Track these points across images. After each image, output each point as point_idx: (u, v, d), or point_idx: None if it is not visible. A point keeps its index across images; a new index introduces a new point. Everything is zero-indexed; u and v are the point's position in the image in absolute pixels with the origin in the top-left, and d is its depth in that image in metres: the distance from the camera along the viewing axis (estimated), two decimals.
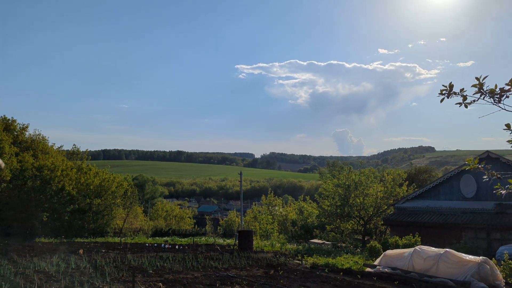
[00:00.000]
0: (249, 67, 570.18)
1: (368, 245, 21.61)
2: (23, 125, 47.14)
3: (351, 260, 18.11)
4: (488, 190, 26.67)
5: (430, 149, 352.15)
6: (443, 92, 3.95)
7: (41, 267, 11.56)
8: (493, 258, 15.18)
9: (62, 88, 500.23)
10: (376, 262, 16.12)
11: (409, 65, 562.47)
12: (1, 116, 44.77)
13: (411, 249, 15.07)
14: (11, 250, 18.53)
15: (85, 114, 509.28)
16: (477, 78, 3.77)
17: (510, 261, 13.54)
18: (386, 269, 14.95)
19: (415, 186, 32.91)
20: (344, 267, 15.83)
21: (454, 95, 3.92)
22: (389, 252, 16.25)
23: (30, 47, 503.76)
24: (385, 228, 31.75)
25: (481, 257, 13.36)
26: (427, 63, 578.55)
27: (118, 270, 11.63)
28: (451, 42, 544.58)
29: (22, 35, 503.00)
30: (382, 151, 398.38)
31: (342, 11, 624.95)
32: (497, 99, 3.71)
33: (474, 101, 3.86)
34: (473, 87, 3.79)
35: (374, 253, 20.27)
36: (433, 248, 14.69)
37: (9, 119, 45.32)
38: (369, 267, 15.75)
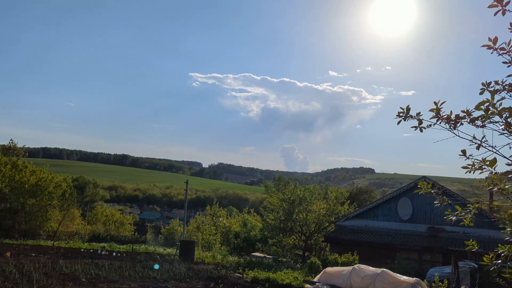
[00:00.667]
0: (203, 76, 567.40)
1: (308, 261, 21.94)
2: None
3: (291, 276, 18.27)
4: (422, 213, 28.15)
5: (370, 171, 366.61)
6: (401, 114, 4.10)
7: None
8: (425, 280, 15.89)
9: (6, 81, 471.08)
10: (315, 279, 16.36)
11: (356, 89, 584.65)
12: None
13: (350, 268, 15.44)
14: None
15: (27, 108, 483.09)
16: (435, 103, 3.95)
17: (440, 283, 14.21)
18: (325, 286, 15.20)
19: (356, 205, 33.94)
20: (284, 283, 15.96)
21: (410, 118, 4.07)
22: (328, 269, 16.55)
23: None
24: (325, 244, 32.42)
25: (414, 278, 13.93)
26: (372, 89, 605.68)
27: (47, 277, 10.98)
28: (396, 70, 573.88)
29: None
30: (326, 169, 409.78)
31: (298, 31, 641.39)
32: (452, 125, 3.88)
33: (430, 125, 4.03)
34: (430, 112, 3.95)
35: (314, 270, 20.59)
36: (371, 267, 15.14)
37: None
38: (309, 283, 15.96)
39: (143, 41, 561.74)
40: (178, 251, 20.24)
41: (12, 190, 38.76)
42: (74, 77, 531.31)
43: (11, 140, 54.52)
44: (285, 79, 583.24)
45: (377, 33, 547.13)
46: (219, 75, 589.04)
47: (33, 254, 18.37)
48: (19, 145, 49.93)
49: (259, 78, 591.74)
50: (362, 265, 15.57)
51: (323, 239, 30.96)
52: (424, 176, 28.62)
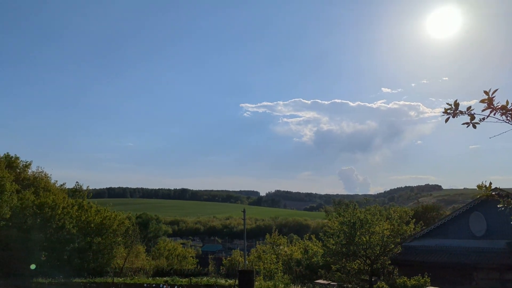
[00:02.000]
0: (253, 105, 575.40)
1: (375, 286, 20.68)
2: (26, 162, 47.24)
3: None
4: (499, 228, 25.78)
5: (437, 188, 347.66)
6: (448, 111, 3.58)
7: None
8: None
9: (66, 126, 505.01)
10: None
11: (413, 103, 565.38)
12: (4, 154, 44.90)
13: None
14: None
15: (90, 152, 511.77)
16: (485, 92, 3.39)
17: None
18: None
19: (423, 224, 32.00)
20: None
21: (460, 114, 3.53)
22: None
23: (34, 86, 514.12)
24: (393, 268, 30.65)
25: None
26: (430, 102, 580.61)
27: None
28: (454, 81, 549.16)
29: (29, 75, 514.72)
30: (389, 189, 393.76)
31: (346, 51, 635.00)
32: (510, 115, 3.29)
33: (483, 119, 3.45)
34: (481, 103, 3.39)
35: None
36: None
37: (12, 157, 45.43)
38: None
39: (192, 77, 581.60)
40: (237, 281, 19.85)
41: (79, 230, 40.46)
42: (130, 119, 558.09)
43: (77, 182, 57.48)
44: (336, 100, 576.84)
45: (430, 44, 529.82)
46: (269, 103, 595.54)
47: None
48: (84, 187, 52.41)
49: (309, 102, 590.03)
50: None
51: (389, 262, 29.32)
52: (497, 187, 26.33)
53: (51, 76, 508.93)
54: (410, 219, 30.92)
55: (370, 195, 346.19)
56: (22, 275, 35.74)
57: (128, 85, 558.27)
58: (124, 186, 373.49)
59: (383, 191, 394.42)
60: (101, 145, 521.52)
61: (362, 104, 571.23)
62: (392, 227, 29.39)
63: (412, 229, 30.06)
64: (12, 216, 37.28)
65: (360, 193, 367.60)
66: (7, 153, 46.39)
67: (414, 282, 20.05)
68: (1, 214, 35.67)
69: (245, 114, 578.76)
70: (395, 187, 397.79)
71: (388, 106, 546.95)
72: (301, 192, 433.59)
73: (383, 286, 20.12)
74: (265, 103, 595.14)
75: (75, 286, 23.47)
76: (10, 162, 44.28)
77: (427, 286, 18.23)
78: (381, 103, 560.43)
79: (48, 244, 37.98)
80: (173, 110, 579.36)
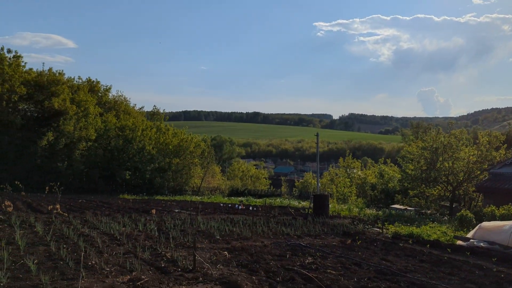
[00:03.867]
0: (327, 24, 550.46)
1: (458, 214, 19.44)
2: (107, 86, 49.40)
3: (438, 230, 16.29)
4: None
5: None
6: None
7: (107, 229, 11.43)
8: None
9: (145, 52, 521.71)
10: (469, 235, 14.24)
11: (507, 16, 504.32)
12: (87, 78, 47.08)
13: None
14: (90, 207, 19.24)
15: (166, 76, 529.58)
16: None
17: None
18: (481, 244, 13.08)
19: None
20: (431, 239, 14.13)
21: None
22: (485, 224, 14.22)
23: (118, 17, 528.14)
24: (477, 195, 28.84)
25: None
26: None
27: (184, 235, 11.16)
28: None
29: (110, 7, 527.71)
30: (473, 111, 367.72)
31: None
32: None
33: None
34: None
35: (465, 223, 18.17)
36: None
37: (93, 81, 47.55)
38: (461, 240, 13.93)
39: None
40: (311, 205, 19.66)
41: (158, 151, 42.53)
42: (203, 42, 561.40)
43: (154, 106, 59.83)
44: (419, 15, 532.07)
45: None
46: (344, 21, 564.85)
47: (176, 210, 19.53)
48: (161, 111, 54.30)
49: (388, 18, 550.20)
50: None
51: (473, 189, 27.51)
52: None
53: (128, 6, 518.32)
54: (500, 144, 28.31)
55: (452, 118, 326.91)
56: (110, 191, 38.89)
57: (201, 8, 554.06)
58: (198, 110, 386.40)
59: (466, 114, 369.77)
60: (176, 69, 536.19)
61: (449, 18, 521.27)
62: (479, 152, 27.16)
63: (502, 155, 27.61)
64: (97, 138, 39.82)
65: (440, 116, 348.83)
66: (89, 77, 48.68)
67: (504, 211, 18.49)
68: (88, 135, 38.19)
69: (318, 33, 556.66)
70: (480, 109, 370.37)
71: (478, 20, 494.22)
72: (376, 115, 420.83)
73: (467, 214, 18.81)
74: (340, 21, 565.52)
75: (156, 203, 24.82)
76: (92, 86, 46.48)
77: None
78: (470, 16, 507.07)
79: (131, 164, 40.48)
80: (245, 31, 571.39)
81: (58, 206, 16.55)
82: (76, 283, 5.95)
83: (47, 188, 27.20)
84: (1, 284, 5.87)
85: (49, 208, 16.30)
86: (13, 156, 34.82)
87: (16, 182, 25.42)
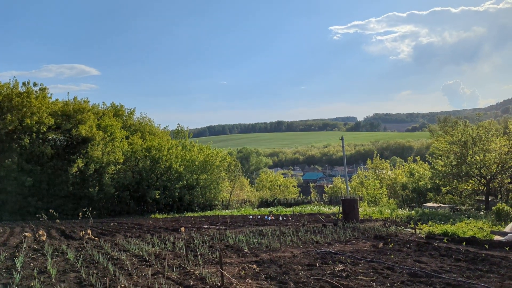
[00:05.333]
0: (343, 27, 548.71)
1: (494, 207, 18.76)
2: (131, 109, 50.48)
3: (474, 226, 15.73)
4: None
5: None
6: None
7: (137, 250, 11.54)
8: None
9: (164, 71, 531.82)
10: (507, 229, 13.71)
11: None
12: (111, 103, 48.22)
13: None
14: (121, 229, 19.51)
15: (188, 94, 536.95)
16: None
17: None
18: None
19: None
20: (467, 236, 13.64)
21: None
22: None
23: (133, 37, 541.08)
24: None
25: None
26: None
27: (212, 251, 11.15)
28: None
29: (127, 26, 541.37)
30: (502, 100, 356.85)
31: None
32: None
33: None
34: None
35: (503, 217, 17.51)
36: None
37: (117, 105, 48.67)
38: (498, 235, 13.40)
39: (281, 6, 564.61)
40: (341, 210, 19.38)
41: (185, 168, 42.92)
42: (222, 58, 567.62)
43: (178, 124, 60.60)
44: (436, 8, 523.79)
45: None
46: (360, 22, 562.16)
47: (205, 226, 19.57)
48: (185, 128, 54.97)
49: (405, 15, 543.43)
50: None
51: (509, 180, 26.53)
52: None
53: (145, 22, 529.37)
54: None
55: (480, 109, 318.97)
56: (141, 212, 39.44)
57: (216, 23, 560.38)
58: (222, 124, 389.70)
59: (495, 103, 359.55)
60: (197, 86, 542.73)
61: (467, 8, 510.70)
62: (511, 142, 26.24)
63: None
64: (125, 160, 40.58)
65: (467, 108, 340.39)
66: (113, 102, 49.88)
67: None
68: (116, 159, 38.96)
69: (334, 37, 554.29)
70: (509, 98, 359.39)
71: (498, 6, 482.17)
72: (401, 113, 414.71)
73: (504, 207, 18.13)
74: (355, 22, 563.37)
75: (186, 220, 24.99)
76: (116, 111, 47.56)
77: None
78: (489, 4, 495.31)
79: (159, 183, 41.00)
80: (261, 42, 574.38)
81: (89, 231, 16.87)
82: None
83: (80, 214, 27.76)
84: None
85: (81, 234, 16.62)
86: (46, 185, 35.82)
87: (51, 210, 26.15)
